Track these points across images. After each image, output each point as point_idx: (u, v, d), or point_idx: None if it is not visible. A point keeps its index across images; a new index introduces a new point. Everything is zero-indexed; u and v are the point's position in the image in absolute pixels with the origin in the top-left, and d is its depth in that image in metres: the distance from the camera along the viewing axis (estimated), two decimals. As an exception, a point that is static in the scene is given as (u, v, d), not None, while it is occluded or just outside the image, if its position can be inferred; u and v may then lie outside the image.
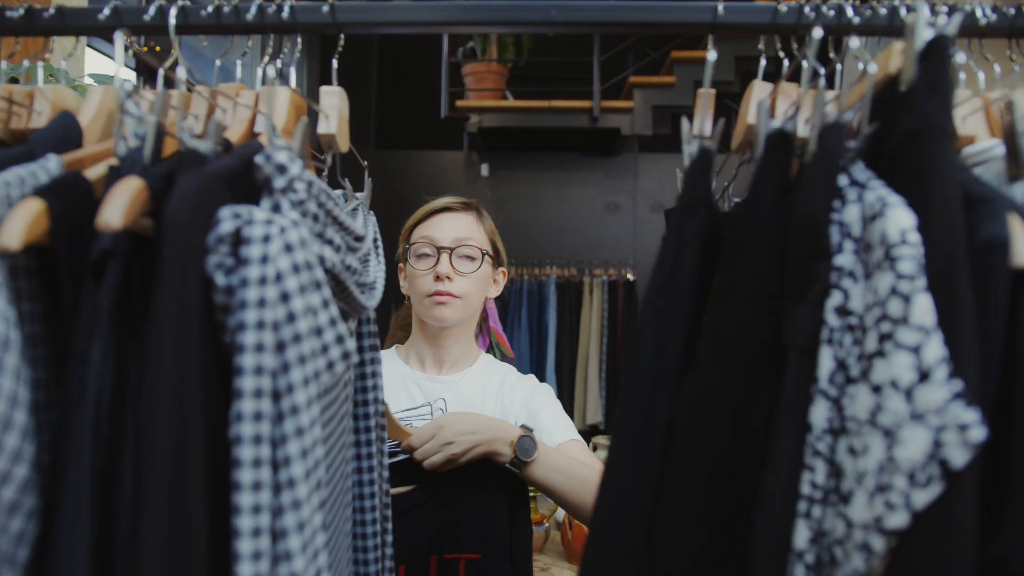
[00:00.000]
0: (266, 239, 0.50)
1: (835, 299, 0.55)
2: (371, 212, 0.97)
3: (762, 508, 0.56)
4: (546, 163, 5.23)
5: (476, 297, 1.43)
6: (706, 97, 0.75)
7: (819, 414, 0.55)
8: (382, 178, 1.21)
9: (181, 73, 0.64)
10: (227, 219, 0.51)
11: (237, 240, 0.51)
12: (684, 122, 0.72)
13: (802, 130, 0.70)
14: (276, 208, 0.55)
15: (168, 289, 0.47)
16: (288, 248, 0.50)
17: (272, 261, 0.49)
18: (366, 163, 1.02)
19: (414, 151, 5.42)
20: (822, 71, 0.76)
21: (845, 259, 0.56)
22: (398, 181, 1.35)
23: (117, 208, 0.50)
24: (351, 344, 0.58)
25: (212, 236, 0.51)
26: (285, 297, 0.50)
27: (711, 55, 0.76)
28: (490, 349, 1.76)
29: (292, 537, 0.49)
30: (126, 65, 0.81)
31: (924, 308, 0.50)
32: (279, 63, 0.80)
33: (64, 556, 0.49)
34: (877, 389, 0.51)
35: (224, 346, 0.52)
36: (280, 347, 0.50)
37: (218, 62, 0.82)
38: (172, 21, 0.78)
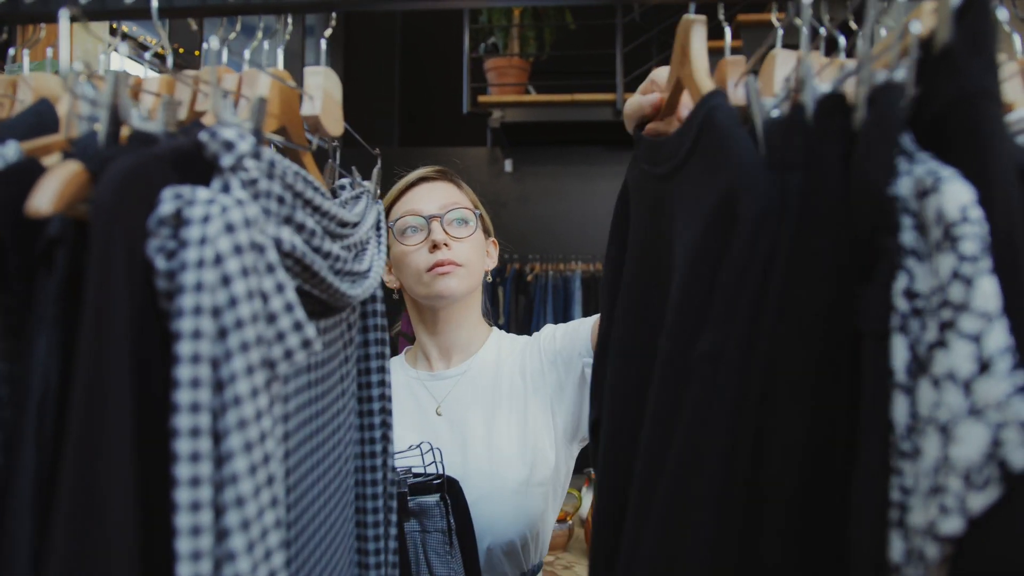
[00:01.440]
0: (205, 219, 0.47)
1: (902, 281, 0.50)
2: (378, 201, 0.94)
3: (856, 519, 0.51)
4: (570, 157, 5.19)
5: (477, 264, 1.33)
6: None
7: (900, 410, 0.49)
8: (406, 173, 1.18)
9: (148, 56, 0.61)
10: (168, 200, 0.48)
11: (178, 222, 0.48)
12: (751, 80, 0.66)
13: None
14: (225, 188, 0.52)
15: (92, 275, 0.44)
16: (229, 228, 0.47)
17: (211, 242, 0.46)
18: (377, 151, 1.00)
19: (438, 147, 5.42)
20: (841, 39, 0.71)
21: (907, 236, 0.50)
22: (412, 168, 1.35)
23: (48, 193, 0.47)
24: (311, 331, 0.54)
25: (153, 218, 0.48)
26: (226, 280, 0.47)
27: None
28: None
29: (236, 536, 0.46)
30: (113, 40, 0.79)
31: (988, 292, 0.45)
32: (269, 46, 0.78)
33: (10, 558, 0.47)
34: (937, 383, 0.47)
35: (170, 334, 0.49)
36: (221, 333, 0.47)
37: (205, 45, 0.80)
38: (154, 3, 0.76)
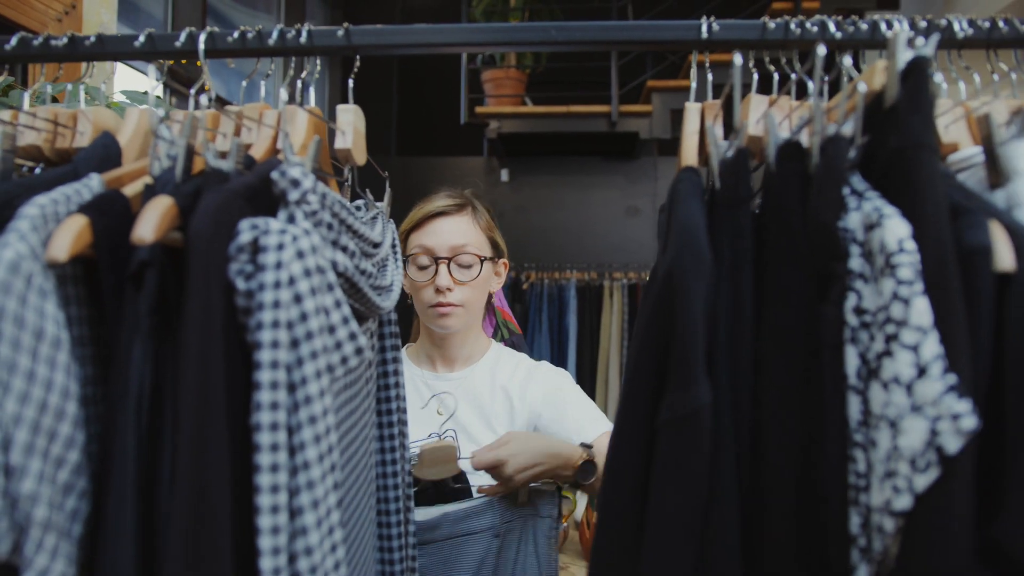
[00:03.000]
0: (280, 247, 0.56)
1: (851, 300, 0.60)
2: (391, 220, 1.03)
3: (824, 498, 0.61)
4: (566, 168, 5.29)
5: (478, 301, 1.45)
6: (754, 100, 0.79)
7: (853, 408, 0.60)
8: (404, 184, 1.24)
9: (203, 100, 0.70)
10: (246, 230, 0.57)
11: (255, 249, 0.57)
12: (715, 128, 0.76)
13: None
14: (291, 219, 0.61)
15: (193, 294, 0.53)
16: (300, 254, 0.56)
17: (285, 266, 0.55)
18: (386, 174, 1.08)
19: (435, 157, 5.50)
20: (811, 85, 0.81)
21: (855, 262, 0.61)
22: (419, 187, 1.41)
23: (149, 224, 0.56)
24: (363, 340, 0.64)
25: (233, 246, 0.57)
26: (298, 299, 0.56)
27: (737, 59, 0.78)
28: (497, 328, 1.78)
29: (307, 514, 0.55)
30: (156, 79, 0.88)
31: (922, 310, 0.56)
32: (299, 83, 0.87)
33: (113, 533, 0.55)
34: (886, 385, 0.57)
35: (247, 345, 0.58)
36: (294, 344, 0.56)
37: (244, 83, 0.89)
38: (201, 46, 0.85)
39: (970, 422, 0.53)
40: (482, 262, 1.42)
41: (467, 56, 5.03)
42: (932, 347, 0.55)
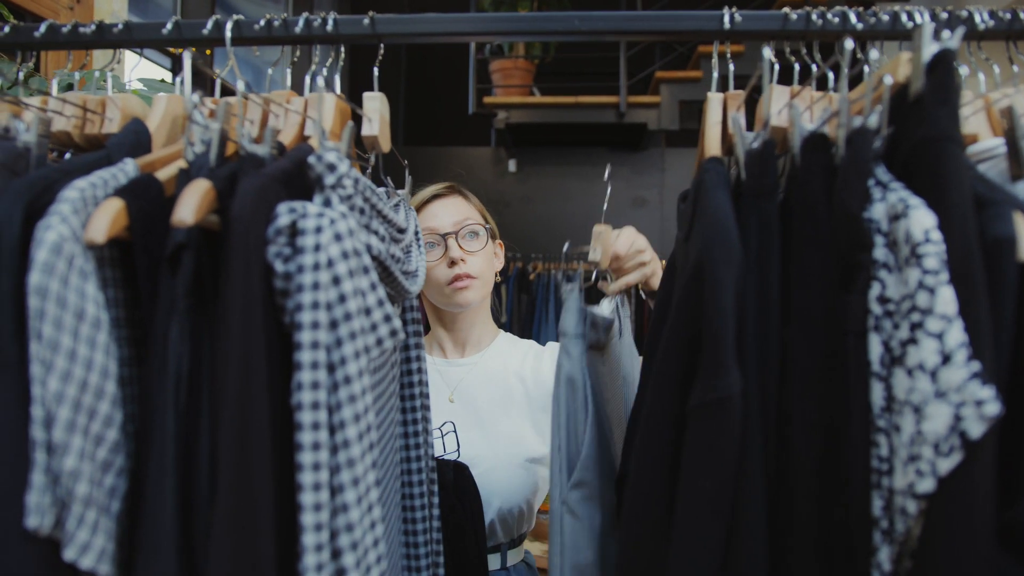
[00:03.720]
0: (318, 230, 0.57)
1: (875, 289, 0.61)
2: (412, 208, 1.04)
3: (848, 481, 0.62)
4: (573, 158, 5.29)
5: (489, 273, 1.47)
6: (776, 91, 0.79)
7: (876, 394, 0.61)
8: (412, 174, 1.23)
9: (239, 85, 0.71)
10: (284, 213, 0.58)
11: (293, 232, 0.58)
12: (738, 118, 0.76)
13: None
14: (327, 203, 0.62)
15: (234, 276, 0.54)
16: (338, 237, 0.58)
17: (324, 249, 0.56)
18: (406, 162, 1.09)
19: (442, 147, 5.50)
20: (830, 74, 0.82)
21: (879, 252, 0.62)
22: (427, 177, 1.41)
23: (189, 206, 0.57)
24: (397, 323, 0.65)
25: (271, 229, 0.58)
26: (336, 280, 0.57)
27: (766, 52, 0.77)
28: None
29: (348, 491, 0.56)
30: (167, 68, 0.88)
31: (947, 299, 0.57)
32: (324, 71, 0.88)
33: (153, 509, 0.57)
34: (910, 372, 0.58)
35: (285, 326, 0.59)
36: (333, 325, 0.57)
37: (270, 70, 0.90)
38: (228, 34, 0.86)
39: (993, 408, 0.54)
40: (487, 230, 1.45)
41: (475, 46, 5.02)
42: (957, 335, 0.56)
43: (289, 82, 0.93)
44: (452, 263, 1.39)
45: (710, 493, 0.60)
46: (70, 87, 1.22)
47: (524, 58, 5.05)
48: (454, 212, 1.44)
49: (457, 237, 1.41)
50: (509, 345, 1.53)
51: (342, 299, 0.57)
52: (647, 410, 0.68)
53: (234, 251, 0.55)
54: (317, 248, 0.57)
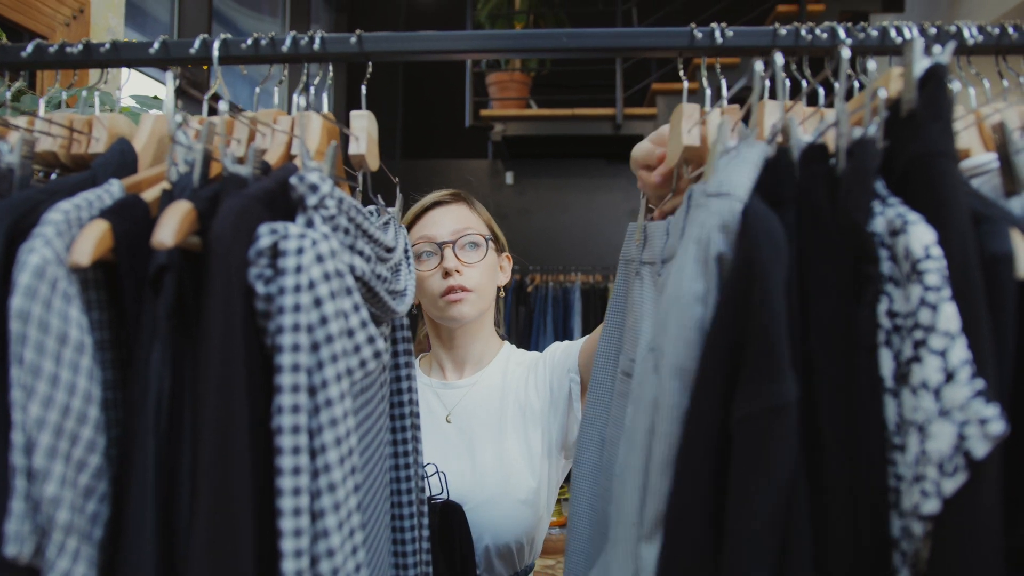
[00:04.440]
0: (300, 251, 0.56)
1: (884, 303, 0.61)
2: (402, 225, 1.04)
3: (867, 501, 0.60)
4: (570, 170, 5.30)
5: (488, 287, 1.39)
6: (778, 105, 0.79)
7: (890, 411, 0.60)
8: (409, 186, 1.22)
9: (223, 105, 0.71)
10: (265, 235, 0.58)
11: (275, 253, 0.58)
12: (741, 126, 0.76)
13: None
14: (309, 223, 0.62)
15: (214, 298, 0.54)
16: (319, 259, 0.57)
17: (305, 270, 0.56)
18: (397, 179, 1.09)
19: (440, 160, 5.52)
20: (820, 91, 0.82)
21: (884, 266, 0.61)
22: (424, 190, 1.41)
23: (169, 228, 0.57)
24: (381, 344, 0.64)
25: (252, 250, 0.58)
26: (318, 302, 0.57)
27: (778, 58, 0.77)
28: None
29: (329, 516, 0.56)
30: (173, 85, 0.88)
31: (949, 315, 0.56)
32: (312, 90, 0.88)
33: (134, 536, 0.56)
34: (914, 390, 0.57)
35: (267, 348, 0.59)
36: (314, 347, 0.56)
37: (257, 89, 0.90)
38: (215, 53, 0.86)
39: (998, 427, 0.53)
40: (487, 241, 1.38)
41: (472, 60, 5.04)
42: (960, 352, 0.55)
43: (285, 100, 0.93)
44: (446, 274, 1.33)
45: (765, 510, 0.56)
46: (59, 105, 1.22)
47: (521, 71, 5.07)
48: (454, 220, 1.38)
49: (455, 247, 1.35)
50: (512, 358, 1.47)
51: (323, 321, 0.57)
52: (687, 422, 0.64)
53: (214, 273, 0.55)
54: (298, 270, 0.56)
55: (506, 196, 5.34)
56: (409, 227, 1.41)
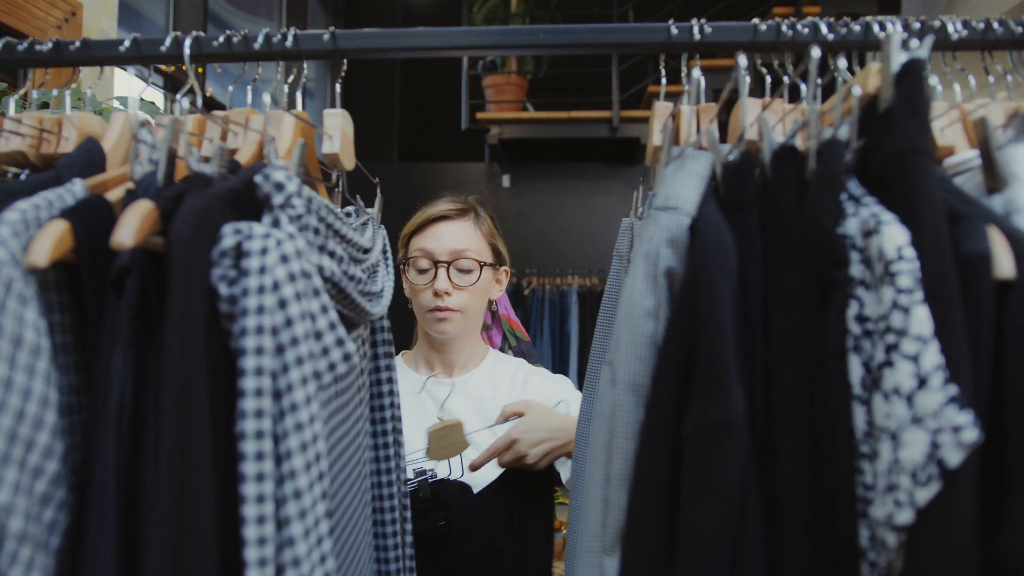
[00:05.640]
0: (264, 251, 0.55)
1: (853, 308, 0.59)
2: (382, 226, 1.02)
3: (834, 511, 0.59)
4: (567, 173, 5.28)
5: (476, 307, 1.45)
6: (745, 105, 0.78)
7: (859, 419, 0.58)
8: (405, 189, 1.21)
9: (185, 103, 0.69)
10: (229, 235, 0.56)
11: (239, 253, 0.56)
12: (712, 131, 0.74)
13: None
14: (275, 223, 0.60)
15: (175, 300, 0.52)
16: (284, 259, 0.56)
17: (269, 271, 0.54)
18: (377, 180, 1.08)
19: (436, 163, 5.50)
20: (803, 86, 0.80)
21: (855, 269, 0.59)
22: (421, 193, 1.40)
23: (129, 228, 0.55)
24: (351, 346, 0.63)
25: (216, 250, 0.56)
26: (283, 304, 0.55)
27: (742, 60, 0.75)
28: (504, 337, 1.78)
29: (295, 524, 0.54)
30: (154, 84, 0.87)
31: (922, 319, 0.54)
32: (288, 88, 0.86)
33: (93, 545, 0.54)
34: (887, 396, 0.55)
35: (231, 351, 0.57)
36: (279, 350, 0.55)
37: (231, 88, 0.88)
38: (187, 51, 0.84)
39: (971, 435, 0.52)
40: (482, 268, 1.42)
41: (468, 61, 5.03)
42: (933, 357, 0.53)
43: (267, 99, 0.92)
44: (436, 294, 1.38)
45: (713, 525, 0.56)
46: (46, 105, 1.21)
47: (517, 74, 5.06)
48: (455, 239, 1.41)
49: (449, 268, 1.39)
50: (498, 364, 1.52)
51: (288, 323, 0.55)
52: (641, 437, 0.64)
53: (175, 274, 0.53)
54: (262, 270, 0.55)
55: (503, 199, 5.32)
56: (412, 234, 1.45)
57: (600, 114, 4.63)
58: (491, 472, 1.33)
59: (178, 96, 0.85)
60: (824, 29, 0.82)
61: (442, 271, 1.39)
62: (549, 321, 4.76)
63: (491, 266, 1.47)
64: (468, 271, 1.41)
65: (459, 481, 1.31)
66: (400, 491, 1.00)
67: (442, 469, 1.34)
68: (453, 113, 5.17)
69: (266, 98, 0.71)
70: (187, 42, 0.82)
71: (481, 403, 1.43)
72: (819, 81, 0.78)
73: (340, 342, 0.62)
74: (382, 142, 5.93)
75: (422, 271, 1.41)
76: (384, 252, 0.97)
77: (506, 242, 1.55)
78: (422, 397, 1.44)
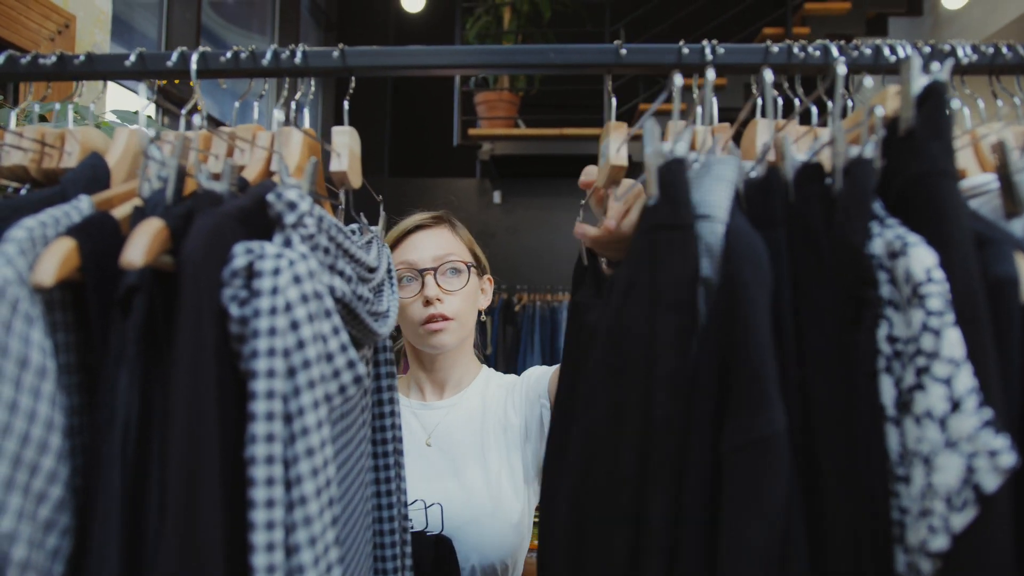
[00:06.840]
0: (276, 272, 0.54)
1: (884, 328, 0.58)
2: (386, 245, 1.01)
3: (870, 535, 0.58)
4: (558, 189, 5.29)
5: (469, 314, 1.39)
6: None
7: (892, 440, 0.57)
8: (397, 205, 1.19)
9: (196, 120, 0.68)
10: (240, 254, 0.55)
11: (250, 273, 0.55)
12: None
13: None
14: (287, 243, 0.59)
15: (185, 321, 0.51)
16: (297, 280, 0.54)
17: (282, 292, 0.53)
18: (380, 197, 1.06)
19: (428, 178, 5.50)
20: (814, 109, 0.80)
21: (883, 289, 0.59)
22: (412, 208, 1.39)
23: (139, 247, 0.54)
24: (362, 368, 0.61)
25: (227, 270, 0.55)
26: (295, 325, 0.54)
27: (767, 75, 0.76)
28: None
29: (304, 552, 0.52)
30: (147, 99, 0.86)
31: (954, 341, 0.53)
32: (293, 105, 0.85)
33: (96, 572, 0.53)
34: (918, 420, 0.54)
35: (241, 373, 0.56)
36: (291, 372, 0.54)
37: (237, 104, 0.87)
38: (193, 67, 0.83)
39: (1009, 459, 0.51)
40: (469, 269, 1.37)
41: (460, 78, 5.04)
42: (966, 380, 0.52)
43: (278, 115, 0.91)
44: (427, 302, 1.32)
45: (759, 544, 0.54)
46: (43, 120, 1.19)
47: (509, 90, 5.07)
48: (436, 245, 1.37)
49: (436, 274, 1.34)
50: (491, 381, 1.46)
51: (300, 345, 0.54)
52: (676, 453, 0.60)
53: (185, 294, 0.52)
54: (274, 291, 0.54)
55: (494, 215, 5.32)
56: (390, 249, 1.39)
57: (591, 131, 4.65)
58: (465, 500, 1.28)
59: (183, 112, 0.84)
60: (835, 52, 0.82)
61: (429, 278, 1.33)
62: (540, 337, 4.75)
63: (477, 270, 1.41)
64: (457, 272, 1.36)
65: (437, 535, 1.25)
66: (401, 513, 0.99)
67: (418, 520, 1.27)
68: (445, 129, 5.18)
69: (278, 115, 0.70)
70: (194, 57, 0.81)
71: (473, 424, 1.37)
72: (830, 103, 0.78)
73: (351, 364, 0.61)
74: (373, 158, 5.92)
75: (407, 282, 1.35)
76: (389, 271, 0.96)
77: (497, 258, 1.52)
78: (410, 422, 1.40)
